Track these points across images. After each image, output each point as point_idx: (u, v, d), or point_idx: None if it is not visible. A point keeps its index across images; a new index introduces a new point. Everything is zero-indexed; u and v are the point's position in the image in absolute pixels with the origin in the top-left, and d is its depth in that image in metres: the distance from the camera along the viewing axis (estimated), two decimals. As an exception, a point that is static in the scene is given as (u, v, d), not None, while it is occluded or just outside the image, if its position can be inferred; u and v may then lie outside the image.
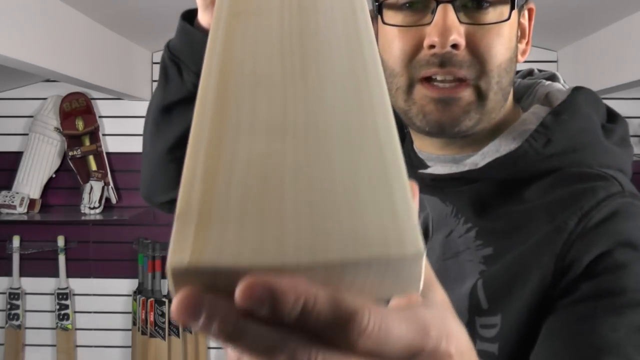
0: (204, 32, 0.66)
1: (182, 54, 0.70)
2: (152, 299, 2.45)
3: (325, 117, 0.29)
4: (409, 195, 0.26)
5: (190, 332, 2.51)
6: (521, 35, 0.66)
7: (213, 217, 0.26)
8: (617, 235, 0.54)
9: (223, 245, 0.25)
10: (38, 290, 2.58)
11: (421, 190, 0.66)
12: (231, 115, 0.29)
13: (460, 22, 0.57)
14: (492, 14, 0.58)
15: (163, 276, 2.52)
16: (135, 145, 2.55)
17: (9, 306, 2.52)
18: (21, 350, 2.53)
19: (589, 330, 0.51)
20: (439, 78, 0.59)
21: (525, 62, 2.47)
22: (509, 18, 0.58)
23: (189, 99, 0.70)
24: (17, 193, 2.41)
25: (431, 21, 0.57)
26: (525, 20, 0.66)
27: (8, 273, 2.54)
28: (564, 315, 0.53)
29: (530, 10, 0.66)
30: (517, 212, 0.60)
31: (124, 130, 2.55)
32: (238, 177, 0.27)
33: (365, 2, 0.34)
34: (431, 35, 0.57)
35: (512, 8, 0.58)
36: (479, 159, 0.63)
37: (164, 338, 2.45)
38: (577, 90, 0.67)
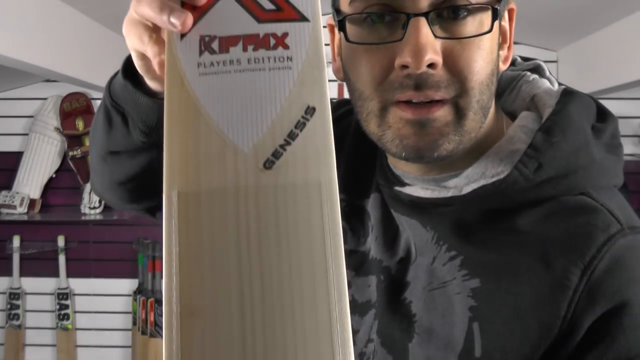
0: (150, 96, 0.58)
1: (126, 107, 0.60)
2: (152, 299, 2.45)
3: None
4: None
5: (190, 332, 2.51)
6: (502, 39, 0.57)
7: None
8: (620, 293, 0.50)
9: None
10: (38, 290, 2.58)
11: (399, 211, 0.62)
12: None
13: (436, 36, 0.50)
14: (471, 24, 0.51)
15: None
16: (135, 145, 2.55)
17: (9, 306, 2.52)
18: (21, 350, 2.53)
19: None
20: (414, 101, 0.52)
21: (525, 62, 2.39)
22: (490, 30, 0.51)
23: (138, 150, 0.63)
24: (17, 193, 2.41)
25: (402, 37, 0.50)
26: (506, 23, 0.58)
27: (8, 273, 2.54)
28: None
29: (510, 12, 0.58)
30: (506, 243, 0.55)
31: (124, 130, 2.54)
32: None
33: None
34: (403, 55, 0.49)
35: (495, 18, 0.50)
36: (463, 182, 0.57)
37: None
38: (567, 95, 0.60)
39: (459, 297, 0.55)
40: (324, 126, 0.34)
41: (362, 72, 0.53)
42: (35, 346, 2.58)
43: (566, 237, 0.52)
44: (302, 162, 0.33)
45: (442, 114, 0.52)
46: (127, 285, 2.57)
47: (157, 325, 2.45)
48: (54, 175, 2.52)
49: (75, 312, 2.57)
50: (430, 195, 0.58)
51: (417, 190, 0.60)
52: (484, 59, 0.52)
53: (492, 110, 0.58)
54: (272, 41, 0.36)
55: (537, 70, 0.67)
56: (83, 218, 2.42)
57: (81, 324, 2.58)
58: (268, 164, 0.33)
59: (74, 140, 2.48)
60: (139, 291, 2.51)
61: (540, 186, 0.55)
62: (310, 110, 0.34)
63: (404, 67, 0.50)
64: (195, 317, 0.31)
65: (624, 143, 2.32)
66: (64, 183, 2.54)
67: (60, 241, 2.53)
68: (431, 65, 0.50)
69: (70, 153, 2.47)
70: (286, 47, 0.36)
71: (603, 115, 0.62)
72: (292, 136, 0.34)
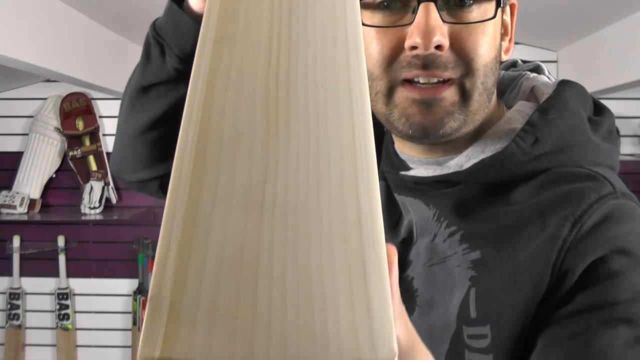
0: (192, 16, 0.63)
1: (166, 35, 0.66)
2: (152, 299, 2.45)
3: (307, 190, 0.28)
4: (387, 296, 0.25)
5: (191, 332, 2.51)
6: (504, 32, 0.62)
7: (183, 312, 0.26)
8: (610, 242, 0.52)
9: (192, 346, 0.25)
10: (38, 290, 2.58)
11: (404, 193, 0.65)
12: (208, 182, 0.28)
13: (444, 21, 0.54)
14: (477, 11, 0.55)
15: (163, 276, 2.52)
16: (135, 145, 2.55)
17: (9, 306, 2.52)
18: (21, 350, 2.53)
19: (584, 347, 0.50)
20: (421, 80, 0.56)
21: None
22: (494, 16, 0.55)
23: (168, 82, 0.68)
24: (17, 193, 2.42)
25: (412, 21, 0.53)
26: (507, 17, 0.62)
27: (8, 273, 2.54)
28: (560, 329, 0.52)
29: (512, 6, 0.62)
30: (505, 214, 0.58)
31: (124, 130, 2.54)
32: (211, 265, 0.26)
33: (359, 35, 0.33)
34: (413, 36, 0.53)
35: (498, 6, 0.55)
36: (464, 160, 0.60)
37: (164, 338, 2.45)
38: (564, 84, 0.64)
39: (459, 270, 0.58)
40: None
41: (372, 53, 0.56)
42: (35, 346, 2.58)
43: (560, 199, 0.55)
44: None
45: (449, 93, 0.55)
46: (127, 285, 2.57)
47: (157, 325, 2.45)
48: (54, 175, 2.52)
49: (75, 312, 2.57)
50: (432, 174, 0.61)
51: (421, 171, 0.63)
52: (488, 43, 0.55)
53: (494, 100, 0.61)
54: None
55: (537, 70, 0.71)
56: (83, 218, 2.42)
57: (81, 324, 2.58)
58: None
59: (74, 140, 2.48)
60: (139, 291, 2.51)
61: (537, 159, 0.58)
62: None
63: (413, 48, 0.54)
64: (226, 40, 0.33)
65: (624, 143, 2.32)
66: (64, 183, 2.54)
67: (60, 241, 2.53)
68: (439, 47, 0.54)
69: (70, 153, 2.47)
70: None
71: (599, 109, 0.65)
72: None
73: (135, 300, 2.50)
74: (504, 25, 0.61)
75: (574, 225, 0.53)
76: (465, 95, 0.56)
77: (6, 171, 2.52)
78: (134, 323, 2.51)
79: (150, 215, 2.57)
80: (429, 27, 0.52)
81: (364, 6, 0.56)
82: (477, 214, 0.59)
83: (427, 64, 0.54)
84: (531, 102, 0.64)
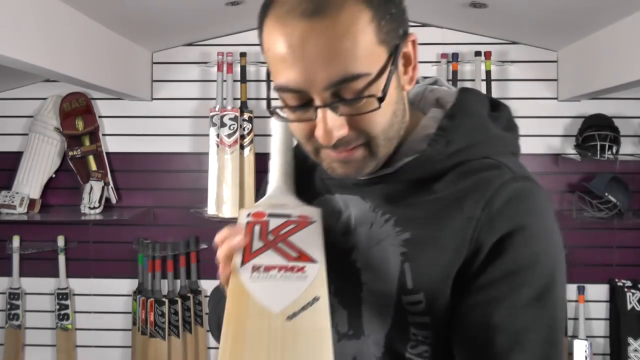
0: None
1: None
2: (152, 299, 2.45)
3: None
4: None
5: (190, 332, 2.51)
6: (406, 63, 0.70)
7: None
8: (513, 220, 0.66)
9: None
10: (38, 290, 2.58)
11: (344, 192, 0.78)
12: None
13: (340, 114, 0.64)
14: (366, 104, 0.64)
15: (163, 276, 2.52)
16: (135, 145, 2.55)
17: (9, 306, 2.52)
18: (21, 350, 2.53)
19: (496, 308, 0.65)
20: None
21: (526, 62, 2.47)
22: (379, 107, 0.63)
23: None
24: (17, 193, 2.42)
25: (316, 117, 0.64)
26: (409, 49, 0.69)
27: (8, 273, 2.54)
28: (477, 294, 0.66)
29: (413, 43, 0.70)
30: (430, 201, 0.70)
31: (124, 130, 2.55)
32: None
33: None
34: (318, 135, 0.65)
35: (382, 100, 0.63)
36: (392, 162, 0.73)
37: (164, 338, 2.45)
38: (463, 91, 0.77)
39: (393, 248, 0.71)
40: (324, 307, 0.60)
41: (295, 131, 0.70)
42: (35, 346, 2.58)
43: (473, 187, 0.68)
44: (310, 319, 0.58)
45: (359, 153, 0.68)
46: (127, 285, 2.57)
47: (157, 325, 2.45)
48: (53, 175, 2.52)
49: (75, 312, 2.57)
50: (368, 176, 0.74)
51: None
52: (383, 114, 0.66)
53: (407, 116, 0.73)
54: (296, 269, 0.63)
55: (437, 83, 0.84)
56: (83, 218, 2.42)
57: (81, 324, 2.58)
58: (289, 318, 0.58)
59: (73, 140, 2.49)
60: (139, 291, 2.51)
61: (451, 156, 0.71)
62: (316, 299, 0.60)
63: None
64: None
65: (624, 143, 2.34)
66: (64, 183, 2.54)
67: (60, 241, 2.54)
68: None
69: (70, 153, 2.47)
70: (304, 272, 0.63)
71: (496, 106, 0.78)
72: (305, 308, 0.59)
73: (134, 300, 2.50)
74: (406, 57, 0.69)
75: (485, 207, 0.66)
76: (372, 151, 0.68)
77: (6, 171, 2.52)
78: (134, 323, 2.51)
79: (150, 215, 2.57)
80: (328, 129, 0.64)
81: (278, 89, 0.66)
82: (406, 202, 0.72)
83: (335, 145, 0.66)
84: (441, 109, 0.76)
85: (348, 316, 0.76)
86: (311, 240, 0.68)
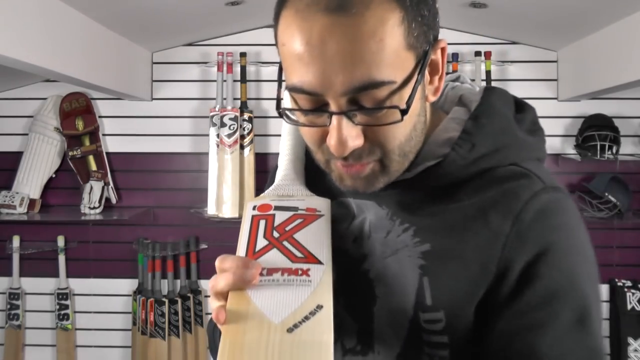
0: None
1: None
2: (152, 299, 2.45)
3: None
4: None
5: (190, 332, 2.51)
6: (433, 71, 0.64)
7: None
8: (544, 237, 0.61)
9: None
10: (38, 290, 2.58)
11: (359, 197, 0.73)
12: None
13: (356, 123, 0.58)
14: (387, 114, 0.58)
15: (163, 276, 2.52)
16: (135, 145, 2.55)
17: (9, 306, 2.52)
18: (21, 350, 2.53)
19: (530, 342, 0.59)
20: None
21: (526, 62, 2.46)
22: (402, 120, 0.58)
23: None
24: (17, 193, 2.42)
25: (329, 123, 0.58)
26: (437, 56, 0.63)
27: (8, 273, 2.54)
28: (507, 323, 0.61)
29: (442, 50, 0.63)
30: (451, 211, 0.65)
31: (124, 130, 2.55)
32: None
33: None
34: (330, 144, 0.59)
35: (405, 112, 0.57)
36: (412, 167, 0.67)
37: (164, 338, 2.45)
38: (488, 90, 0.71)
39: (410, 260, 0.66)
40: (327, 316, 0.56)
41: (306, 136, 0.65)
42: (35, 346, 2.58)
43: (500, 198, 0.64)
44: (311, 331, 0.55)
45: (370, 169, 0.63)
46: (127, 285, 2.57)
47: (157, 325, 2.45)
48: (53, 175, 2.52)
49: (75, 312, 2.57)
50: None
51: None
52: (403, 128, 0.60)
53: (428, 116, 0.68)
54: (300, 272, 0.60)
55: (459, 79, 0.79)
56: (83, 218, 2.42)
57: (81, 324, 2.58)
58: (290, 330, 0.55)
59: (73, 140, 2.48)
60: (139, 291, 2.51)
61: (475, 162, 0.65)
62: (319, 307, 0.57)
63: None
64: None
65: (624, 143, 2.34)
66: (64, 183, 2.54)
67: (60, 241, 2.53)
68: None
69: (70, 153, 2.47)
70: (308, 275, 0.59)
71: (521, 106, 0.73)
72: (307, 318, 0.56)
73: (134, 300, 2.50)
74: (433, 65, 0.63)
75: (514, 222, 0.62)
76: (384, 167, 0.63)
77: (6, 171, 2.52)
78: (134, 323, 2.51)
79: (150, 215, 2.57)
80: (342, 139, 0.58)
81: (290, 110, 0.62)
82: (426, 210, 0.67)
83: (346, 157, 0.60)
84: (464, 108, 0.71)
85: (358, 331, 0.70)
86: (318, 238, 0.64)
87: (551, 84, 2.50)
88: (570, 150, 2.46)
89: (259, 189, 2.41)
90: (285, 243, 0.63)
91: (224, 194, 2.38)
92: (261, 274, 0.59)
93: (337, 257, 0.64)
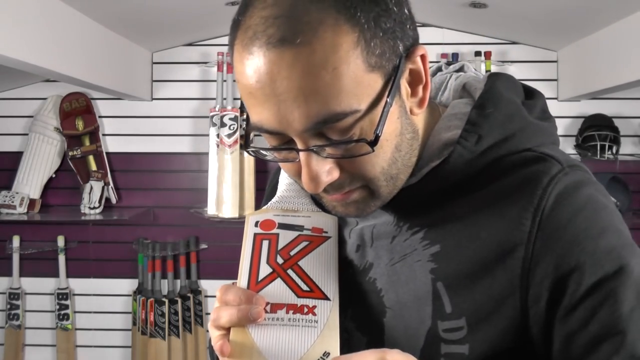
0: None
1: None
2: (152, 299, 2.45)
3: None
4: None
5: (190, 332, 2.51)
6: (414, 82, 0.57)
7: None
8: (573, 224, 0.55)
9: None
10: (38, 290, 2.58)
11: None
12: None
13: (326, 157, 0.54)
14: (357, 145, 0.53)
15: (163, 276, 2.52)
16: (135, 145, 2.55)
17: (9, 306, 2.52)
18: (21, 350, 2.53)
19: (593, 332, 0.53)
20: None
21: (526, 62, 2.46)
22: (372, 151, 0.53)
23: None
24: (17, 193, 2.42)
25: (299, 159, 0.55)
26: (417, 65, 0.57)
27: (8, 273, 2.54)
28: (563, 327, 0.55)
29: (422, 57, 0.57)
30: (463, 208, 0.60)
31: (124, 130, 2.55)
32: None
33: None
34: (303, 181, 0.55)
35: (374, 144, 0.52)
36: (416, 170, 0.62)
37: (164, 338, 2.45)
38: (493, 76, 0.65)
39: (420, 264, 0.61)
40: None
41: (284, 169, 0.61)
42: (35, 346, 2.58)
43: (515, 187, 0.58)
44: None
45: (357, 195, 0.58)
46: (127, 285, 2.57)
47: (157, 325, 2.45)
48: (53, 175, 2.52)
49: (75, 312, 2.57)
50: None
51: None
52: (381, 154, 0.55)
53: (422, 124, 0.63)
54: (305, 309, 0.56)
55: (462, 69, 0.73)
56: (83, 218, 2.42)
57: (81, 324, 2.58)
58: None
59: (73, 140, 2.48)
60: (139, 291, 2.51)
61: (484, 154, 0.60)
62: (326, 354, 0.53)
63: None
64: None
65: (624, 143, 2.33)
66: (64, 183, 2.54)
67: (60, 241, 2.53)
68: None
69: (70, 153, 2.47)
70: (314, 314, 0.56)
71: (530, 93, 0.68)
72: None
73: (134, 300, 2.50)
74: (414, 74, 0.57)
75: (535, 214, 0.56)
76: (372, 193, 0.58)
77: (6, 171, 2.52)
78: (134, 323, 2.51)
79: (150, 215, 2.57)
80: (312, 175, 0.54)
81: (253, 127, 0.57)
82: (433, 211, 0.62)
83: (326, 189, 0.56)
84: (464, 99, 0.65)
85: (367, 344, 0.64)
86: (324, 267, 0.60)
87: (551, 84, 2.50)
88: (570, 150, 2.46)
89: (259, 189, 2.41)
90: (290, 272, 0.59)
91: (224, 194, 2.38)
92: (265, 310, 0.55)
93: (341, 267, 0.61)
